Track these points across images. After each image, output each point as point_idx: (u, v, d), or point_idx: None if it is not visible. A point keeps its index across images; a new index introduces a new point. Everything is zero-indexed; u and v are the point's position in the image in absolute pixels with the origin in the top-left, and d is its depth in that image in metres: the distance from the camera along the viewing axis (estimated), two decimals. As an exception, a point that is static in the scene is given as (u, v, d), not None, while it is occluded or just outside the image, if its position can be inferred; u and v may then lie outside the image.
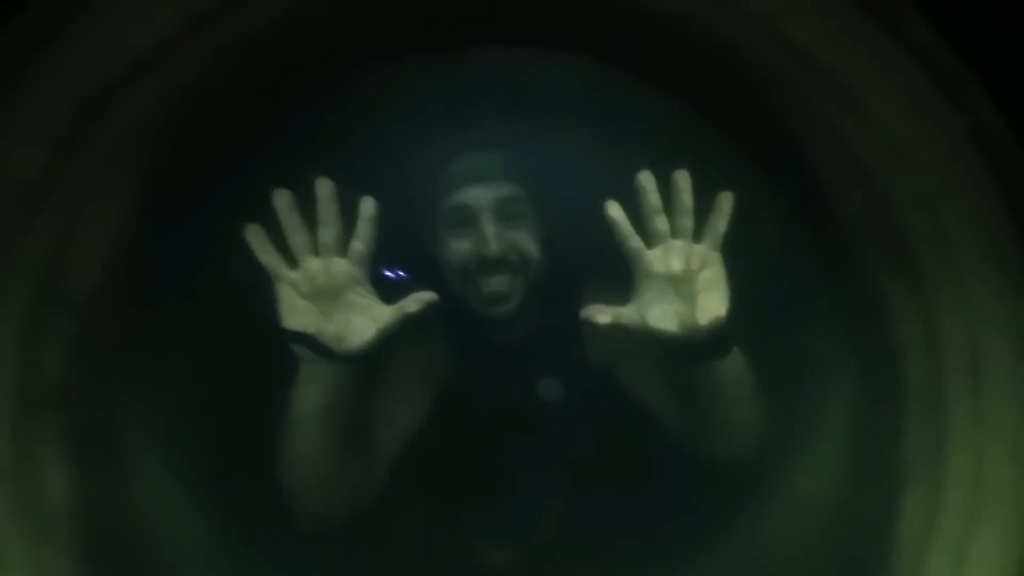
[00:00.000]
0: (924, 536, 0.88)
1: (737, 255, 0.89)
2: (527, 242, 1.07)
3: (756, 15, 0.81)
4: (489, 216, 1.04)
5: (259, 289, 0.86)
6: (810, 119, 0.89)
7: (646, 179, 0.83)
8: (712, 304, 0.84)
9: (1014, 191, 0.78)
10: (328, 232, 0.82)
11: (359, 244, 0.84)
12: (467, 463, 1.41)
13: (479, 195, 1.05)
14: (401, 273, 1.06)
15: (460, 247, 1.06)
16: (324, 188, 0.81)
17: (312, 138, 1.15)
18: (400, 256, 1.06)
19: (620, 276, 0.89)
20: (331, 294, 0.84)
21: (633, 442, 1.34)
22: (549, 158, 1.13)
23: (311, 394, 0.88)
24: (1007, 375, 0.82)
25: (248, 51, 0.85)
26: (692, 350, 0.88)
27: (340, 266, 0.84)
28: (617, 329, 0.87)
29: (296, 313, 0.84)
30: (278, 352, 0.88)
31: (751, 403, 0.96)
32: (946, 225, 0.83)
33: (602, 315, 0.86)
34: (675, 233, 0.85)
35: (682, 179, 0.83)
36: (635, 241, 0.85)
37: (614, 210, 0.84)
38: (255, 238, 0.81)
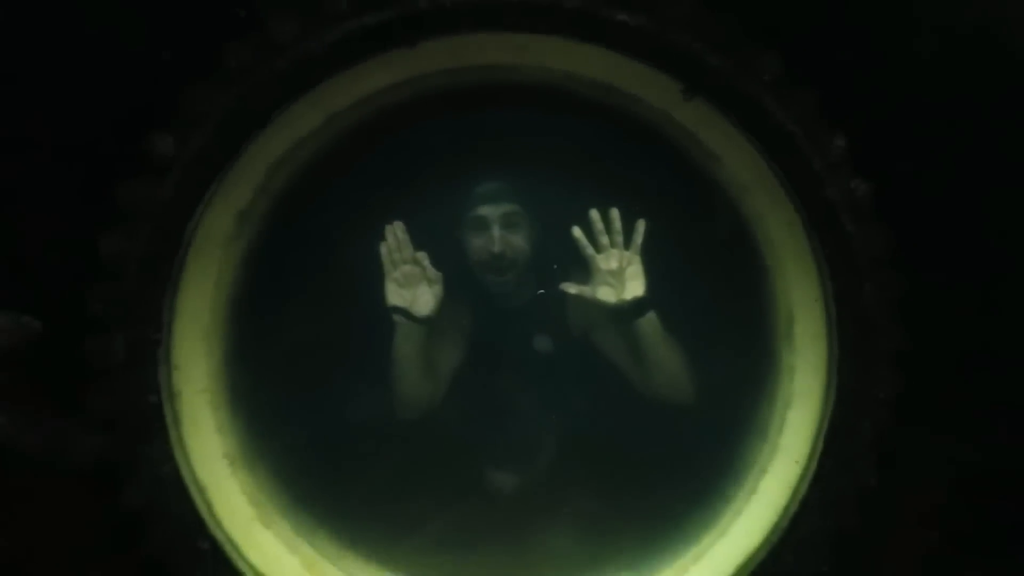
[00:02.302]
0: (767, 418, 1.45)
1: (659, 250, 1.47)
2: (521, 243, 1.69)
3: (656, 107, 1.37)
4: (496, 225, 1.65)
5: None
6: (696, 165, 1.44)
7: (594, 214, 1.47)
8: (634, 287, 1.49)
9: (809, 211, 1.32)
10: (406, 253, 1.49)
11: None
12: (480, 400, 1.92)
13: (490, 210, 1.67)
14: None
15: (477, 244, 1.69)
16: (399, 230, 1.49)
17: (384, 174, 1.74)
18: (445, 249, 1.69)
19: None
20: (414, 285, 1.53)
21: (609, 390, 1.87)
22: (541, 186, 1.71)
23: (402, 342, 1.58)
24: (805, 321, 1.38)
25: (355, 128, 1.43)
26: (623, 313, 1.51)
27: (419, 272, 1.52)
28: (580, 298, 1.51)
29: (395, 295, 1.53)
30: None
31: (676, 354, 1.57)
32: (771, 232, 1.38)
33: (572, 288, 1.52)
34: (612, 244, 1.48)
35: (614, 214, 1.46)
36: (589, 250, 1.49)
37: (576, 232, 1.48)
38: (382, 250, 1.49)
